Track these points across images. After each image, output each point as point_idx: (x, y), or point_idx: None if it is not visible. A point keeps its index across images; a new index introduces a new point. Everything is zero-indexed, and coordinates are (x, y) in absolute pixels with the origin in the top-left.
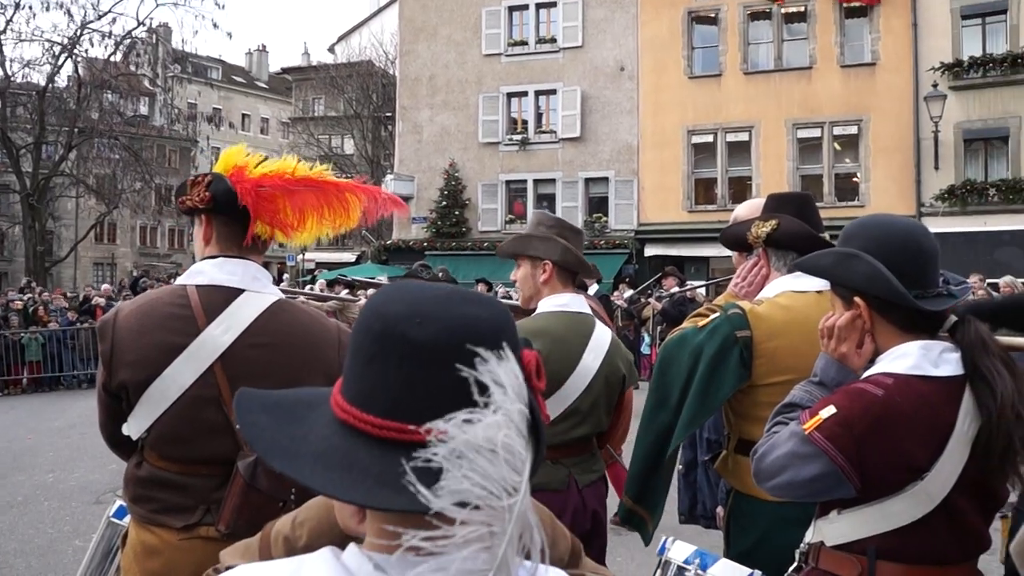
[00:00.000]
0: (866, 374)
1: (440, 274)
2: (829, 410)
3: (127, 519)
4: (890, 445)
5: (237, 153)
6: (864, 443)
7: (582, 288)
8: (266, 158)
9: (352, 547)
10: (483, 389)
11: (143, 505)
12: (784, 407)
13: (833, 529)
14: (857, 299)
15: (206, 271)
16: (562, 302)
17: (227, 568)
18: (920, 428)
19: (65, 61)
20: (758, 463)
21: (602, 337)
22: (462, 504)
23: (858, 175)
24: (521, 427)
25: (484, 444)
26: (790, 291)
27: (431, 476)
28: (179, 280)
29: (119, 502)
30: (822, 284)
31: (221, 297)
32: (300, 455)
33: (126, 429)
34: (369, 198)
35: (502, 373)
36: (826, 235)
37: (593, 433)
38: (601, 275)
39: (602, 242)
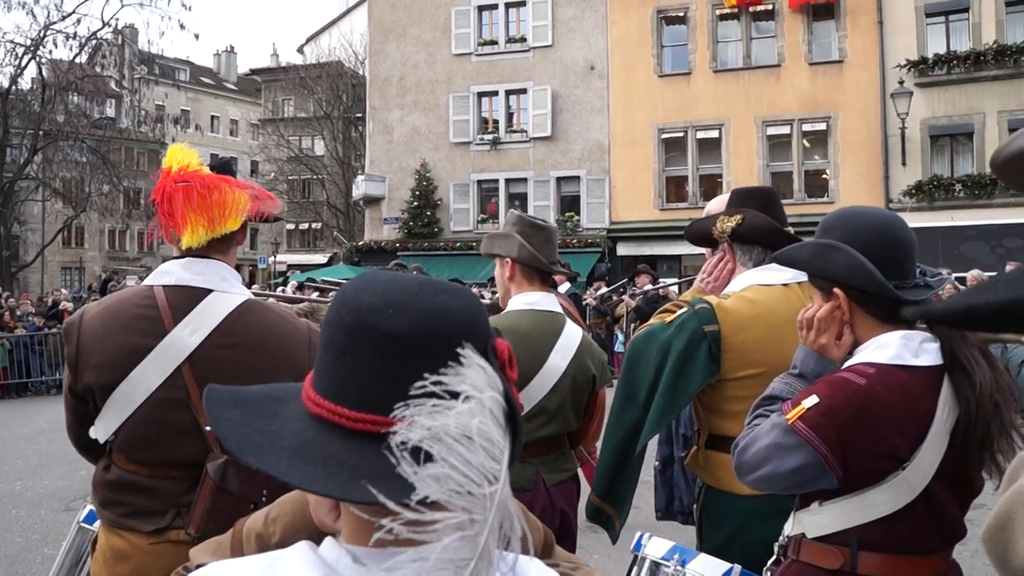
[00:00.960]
0: (847, 364)
1: (415, 272)
2: (812, 400)
3: (96, 524)
4: (872, 435)
5: (170, 153)
6: (847, 433)
7: (552, 286)
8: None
9: (329, 540)
10: (452, 379)
11: (112, 509)
12: (764, 400)
13: (814, 521)
14: (836, 290)
15: (173, 271)
16: (531, 300)
17: (197, 566)
18: (901, 418)
19: (28, 63)
20: (739, 456)
21: (571, 336)
22: (442, 492)
23: (827, 172)
24: (497, 415)
25: (457, 431)
26: (756, 285)
27: (408, 464)
28: (146, 281)
29: (89, 507)
30: (788, 277)
31: (188, 297)
32: (274, 450)
33: (93, 432)
34: (249, 193)
35: (474, 362)
36: (791, 229)
37: (562, 432)
38: (572, 272)
39: (574, 241)
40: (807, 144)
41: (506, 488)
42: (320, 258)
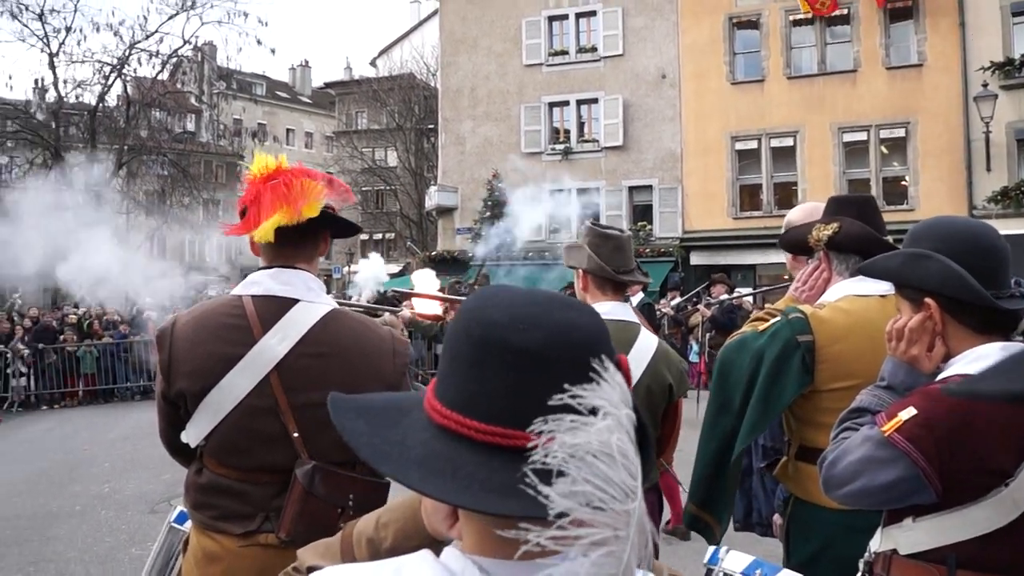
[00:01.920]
0: (942, 375)
1: (483, 275)
2: (909, 412)
3: (187, 524)
4: (973, 448)
5: (256, 162)
6: (946, 446)
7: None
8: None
9: (452, 550)
10: (589, 395)
11: (204, 512)
12: (851, 412)
13: (908, 537)
14: (928, 300)
15: (261, 281)
16: (604, 310)
17: (309, 569)
18: (1004, 431)
19: (115, 81)
20: (828, 470)
21: (646, 345)
22: (585, 508)
23: (906, 178)
24: (630, 432)
25: (600, 448)
26: (852, 295)
27: (547, 480)
28: (235, 290)
29: (179, 508)
30: (886, 288)
31: (276, 307)
32: (403, 460)
33: (185, 437)
34: (326, 182)
35: (607, 378)
36: (890, 238)
37: None
38: (645, 281)
39: (647, 250)
40: (885, 150)
41: (642, 504)
42: (393, 268)
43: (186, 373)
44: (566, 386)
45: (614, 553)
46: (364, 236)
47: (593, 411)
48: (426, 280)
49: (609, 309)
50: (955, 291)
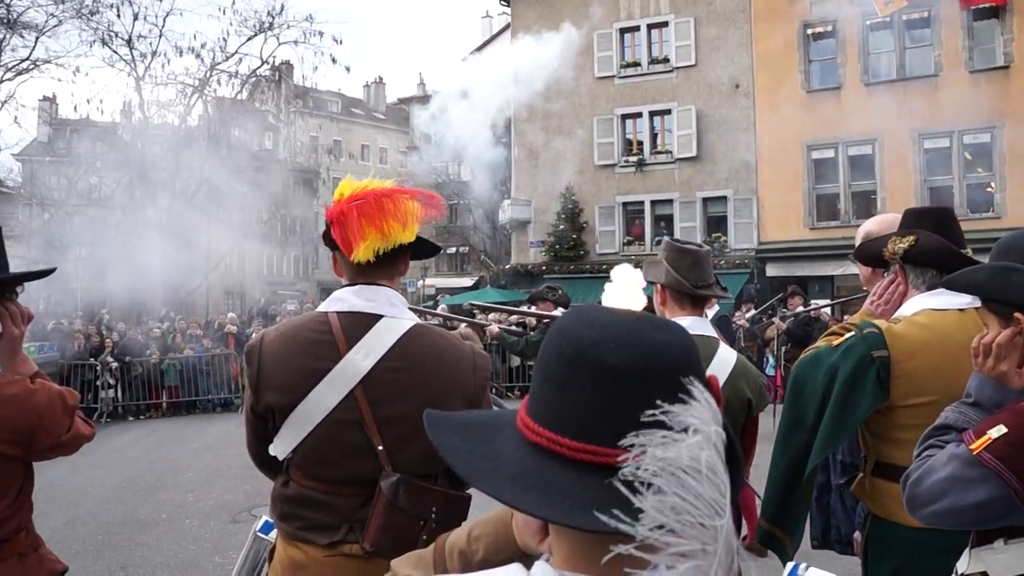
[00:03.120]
0: None
1: (558, 294)
2: (999, 430)
3: (272, 534)
4: None
5: (342, 186)
6: None
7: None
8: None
9: (542, 564)
10: (680, 412)
11: (290, 523)
12: (935, 429)
13: (999, 560)
14: (1018, 315)
15: (346, 298)
16: (684, 324)
17: None
18: None
19: (196, 101)
20: (912, 489)
21: (725, 360)
22: (675, 521)
23: (992, 185)
24: (720, 449)
25: (690, 464)
26: (929, 309)
27: (637, 495)
28: (320, 307)
29: (265, 518)
30: (964, 302)
31: (361, 323)
32: (497, 476)
33: (272, 449)
34: (423, 199)
35: (697, 396)
36: (968, 251)
37: None
38: (724, 295)
39: (722, 262)
40: (968, 156)
41: (730, 522)
42: (467, 281)
43: (275, 387)
44: (649, 404)
45: (701, 568)
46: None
47: (684, 429)
48: (626, 276)
49: (688, 324)
50: None
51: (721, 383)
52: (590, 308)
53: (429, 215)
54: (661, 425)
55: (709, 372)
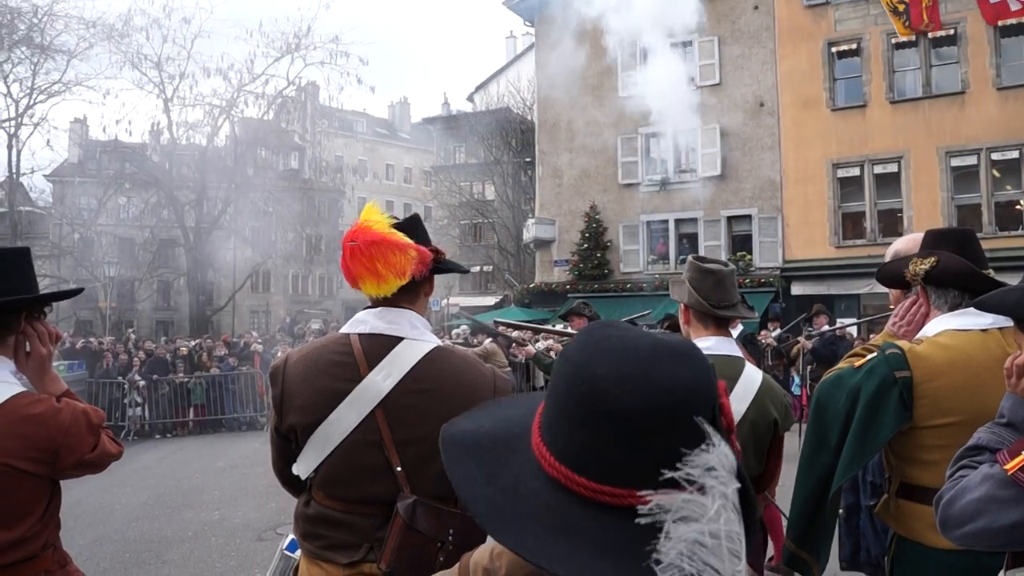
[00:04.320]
0: None
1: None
2: None
3: (298, 552)
4: None
5: (366, 212)
6: None
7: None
8: (394, 218)
9: None
10: (697, 471)
11: (312, 542)
12: (968, 450)
13: None
14: None
15: (368, 320)
16: (707, 345)
17: None
18: None
19: (223, 122)
20: (945, 510)
21: (751, 381)
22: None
23: (1021, 203)
24: (736, 503)
25: (710, 540)
26: (951, 330)
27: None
28: (343, 329)
29: (291, 536)
30: (986, 322)
31: (382, 345)
32: (516, 515)
33: (295, 469)
34: (418, 256)
35: (715, 450)
36: (990, 271)
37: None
38: (748, 316)
39: (747, 280)
40: (997, 174)
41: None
42: (491, 300)
43: (297, 407)
44: (678, 450)
45: None
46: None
47: (701, 491)
48: None
49: (712, 344)
50: None
51: (747, 403)
52: (602, 335)
53: (416, 271)
54: (678, 484)
55: (734, 393)
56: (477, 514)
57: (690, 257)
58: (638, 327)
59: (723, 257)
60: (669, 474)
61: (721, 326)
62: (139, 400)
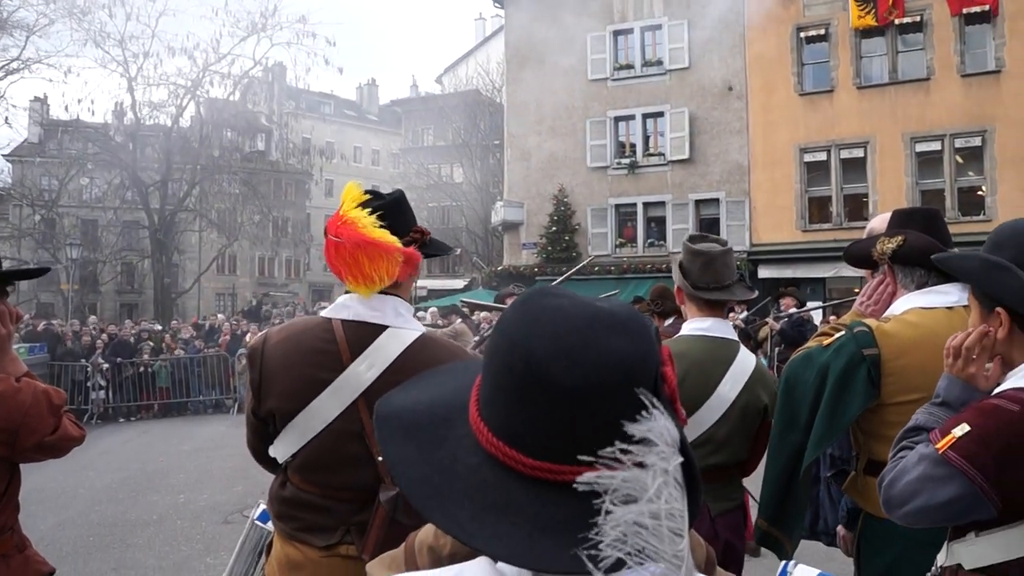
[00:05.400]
0: (998, 390)
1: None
2: (962, 428)
3: (270, 523)
4: (1017, 467)
5: (346, 192)
6: (1003, 462)
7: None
8: (375, 193)
9: None
10: (638, 448)
11: (287, 522)
12: (908, 431)
13: (971, 552)
14: (1000, 310)
15: (351, 306)
16: (703, 326)
17: None
18: None
19: (188, 102)
20: (887, 491)
21: (744, 365)
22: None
23: (983, 188)
24: (679, 479)
25: (650, 521)
26: (918, 308)
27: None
28: (325, 312)
29: (262, 506)
30: (952, 300)
31: (365, 333)
32: (454, 494)
33: (272, 451)
34: (405, 259)
35: (656, 424)
36: (955, 251)
37: (729, 462)
38: (744, 297)
39: None
40: (960, 160)
41: (690, 560)
42: (459, 283)
43: (276, 394)
44: (619, 424)
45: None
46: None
47: (641, 466)
48: None
49: (708, 326)
50: None
51: (740, 387)
52: (539, 305)
53: (403, 274)
54: (616, 439)
55: (728, 376)
56: (411, 495)
57: (686, 237)
58: (577, 296)
59: None
60: (608, 450)
61: (715, 307)
62: (102, 383)
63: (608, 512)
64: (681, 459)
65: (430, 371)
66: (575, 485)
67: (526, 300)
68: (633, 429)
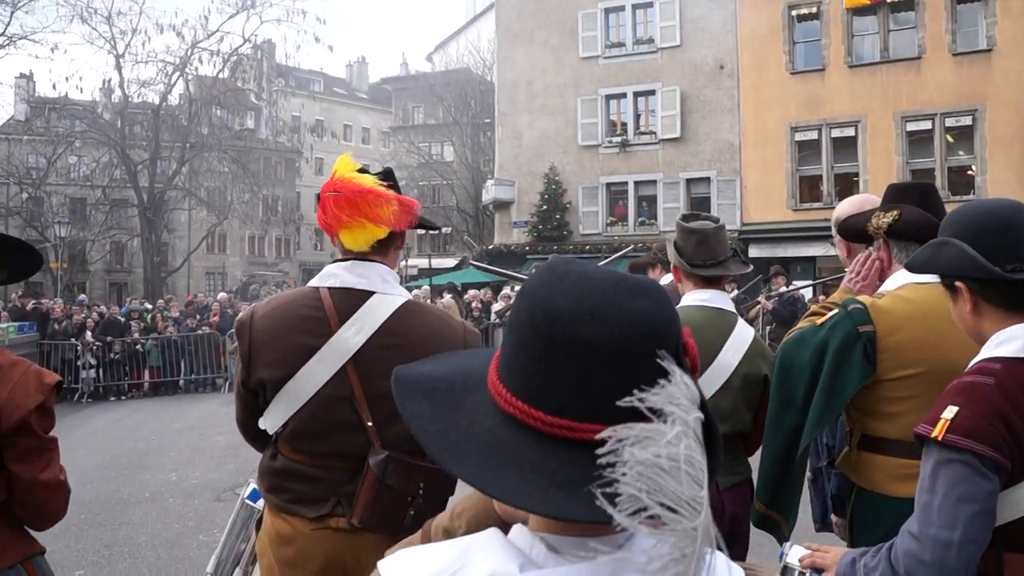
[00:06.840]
0: (972, 362)
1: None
2: (950, 411)
3: (260, 502)
4: (1010, 432)
5: (338, 164)
6: (999, 425)
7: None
8: (365, 171)
9: (520, 528)
10: (657, 398)
11: (278, 495)
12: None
13: None
14: (959, 284)
15: (338, 274)
16: (703, 297)
17: None
18: None
19: (177, 80)
20: (922, 545)
21: (743, 335)
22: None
23: (973, 167)
24: (698, 434)
25: (667, 463)
26: (913, 283)
27: (616, 491)
28: (312, 282)
29: (252, 485)
30: None
31: (352, 299)
32: (470, 451)
33: (262, 423)
34: (400, 205)
35: (676, 380)
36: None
37: (735, 432)
38: (739, 271)
39: None
40: (951, 139)
41: (708, 512)
42: (450, 262)
43: (266, 363)
44: (626, 380)
45: (678, 562)
46: (421, 230)
47: (662, 417)
48: None
49: (709, 296)
50: (967, 270)
51: (740, 357)
52: (565, 271)
53: (401, 223)
54: (638, 413)
55: (728, 346)
56: (428, 448)
57: (680, 215)
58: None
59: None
60: (627, 400)
61: (712, 283)
62: (92, 362)
63: (623, 458)
64: (701, 415)
65: (448, 352)
66: (595, 445)
67: (550, 266)
68: (652, 397)
